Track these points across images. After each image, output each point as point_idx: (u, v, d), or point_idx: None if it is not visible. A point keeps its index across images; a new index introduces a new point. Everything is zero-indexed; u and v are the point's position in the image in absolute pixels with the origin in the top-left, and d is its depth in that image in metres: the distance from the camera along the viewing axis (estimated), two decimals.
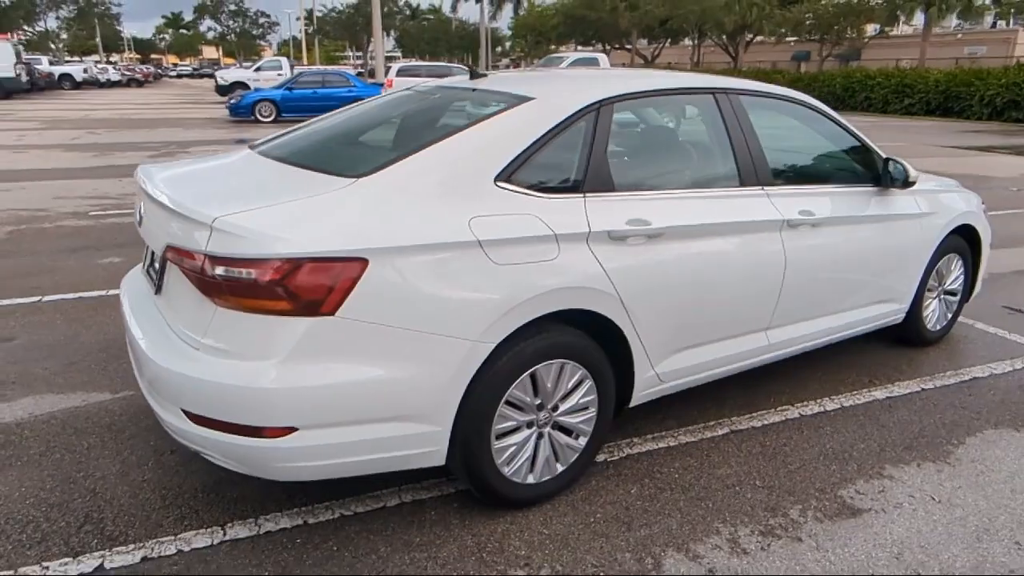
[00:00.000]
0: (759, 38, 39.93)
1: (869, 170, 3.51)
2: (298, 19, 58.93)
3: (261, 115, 18.70)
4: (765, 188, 3.05)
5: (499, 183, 2.38)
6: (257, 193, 2.27)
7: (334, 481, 2.61)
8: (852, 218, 3.36)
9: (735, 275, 2.92)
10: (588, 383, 2.61)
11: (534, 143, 2.48)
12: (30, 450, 2.95)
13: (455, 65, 25.66)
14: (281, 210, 2.11)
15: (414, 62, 29.45)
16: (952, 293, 4.19)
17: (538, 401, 2.51)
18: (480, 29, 53.67)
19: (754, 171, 3.03)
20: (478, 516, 2.54)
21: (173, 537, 2.42)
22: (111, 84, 44.46)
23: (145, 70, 54.71)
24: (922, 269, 3.80)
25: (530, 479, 2.56)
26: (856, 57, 39.59)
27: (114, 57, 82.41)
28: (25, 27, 63.06)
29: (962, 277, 4.19)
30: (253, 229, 2.03)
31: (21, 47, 31.06)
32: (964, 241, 4.09)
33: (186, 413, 2.15)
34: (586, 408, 2.64)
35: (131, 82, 48.33)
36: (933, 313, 4.11)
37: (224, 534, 2.44)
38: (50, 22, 64.65)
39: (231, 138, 15.17)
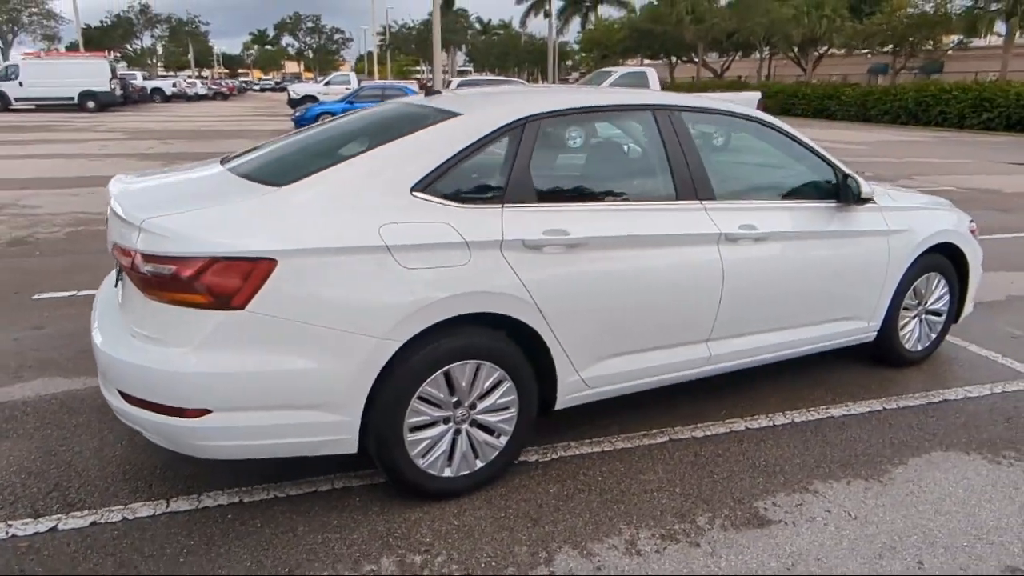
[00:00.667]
0: (833, 50, 38.80)
1: (828, 186, 3.50)
2: (375, 35, 60.93)
3: None
4: (703, 202, 3.10)
5: (415, 193, 2.55)
6: (192, 200, 2.51)
7: (282, 465, 2.85)
8: (804, 233, 3.36)
9: (666, 286, 2.99)
10: (507, 384, 2.73)
11: (453, 156, 2.64)
12: (27, 425, 3.30)
13: (513, 79, 26.10)
14: (204, 214, 2.35)
15: (473, 76, 30.03)
16: (936, 313, 4.09)
17: (454, 399, 2.65)
18: (548, 44, 54.19)
19: (692, 185, 3.09)
20: (398, 505, 2.70)
21: (123, 507, 2.69)
22: (198, 97, 47.14)
23: (230, 84, 57.80)
24: (893, 287, 3.74)
25: (447, 473, 2.71)
26: (938, 70, 37.90)
27: (205, 72, 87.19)
28: (127, 45, 67.79)
29: (947, 297, 4.08)
30: (175, 230, 2.27)
31: (116, 63, 33.40)
32: (948, 260, 3.99)
33: (122, 394, 2.41)
34: (506, 408, 2.77)
35: (216, 95, 51.10)
36: (912, 333, 4.02)
37: (167, 506, 2.69)
38: (147, 40, 69.10)
39: None
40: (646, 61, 49.32)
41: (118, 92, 30.77)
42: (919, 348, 4.07)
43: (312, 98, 26.75)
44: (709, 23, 37.90)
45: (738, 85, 34.12)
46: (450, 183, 2.63)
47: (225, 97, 52.21)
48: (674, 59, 47.79)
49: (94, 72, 29.63)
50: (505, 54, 61.15)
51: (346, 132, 3.10)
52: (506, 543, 2.50)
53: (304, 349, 2.35)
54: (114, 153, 14.79)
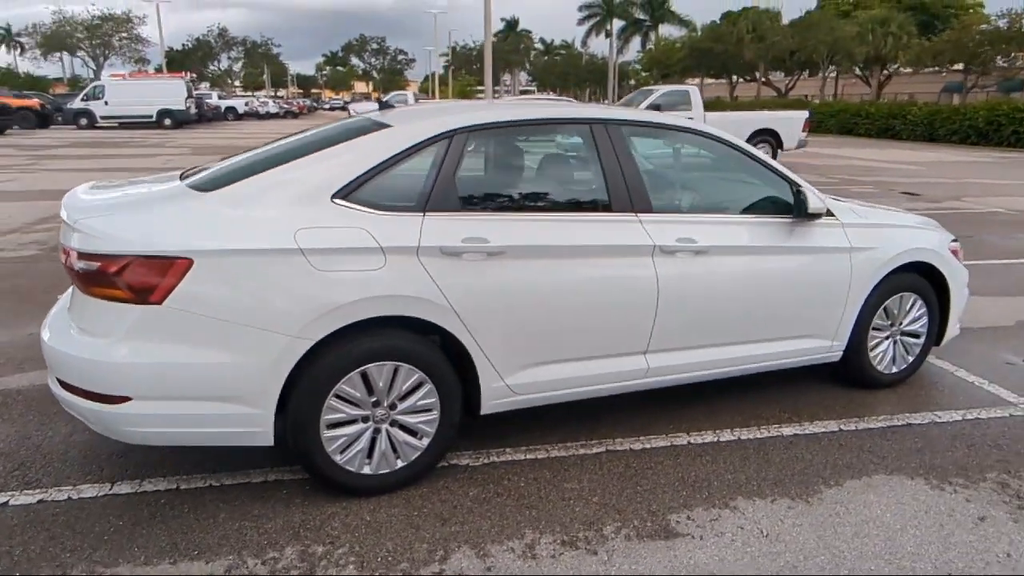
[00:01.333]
0: (903, 68, 37.45)
1: (783, 201, 3.45)
2: (440, 55, 62.53)
3: None
4: (639, 215, 3.12)
5: (336, 200, 2.68)
6: (129, 206, 2.70)
7: (224, 455, 3.01)
8: (753, 248, 3.32)
9: (595, 296, 3.01)
10: (428, 387, 2.81)
11: (377, 166, 2.76)
12: (13, 411, 3.57)
13: (563, 98, 26.17)
14: (132, 216, 2.54)
15: (526, 95, 30.30)
16: (912, 335, 3.94)
17: (373, 398, 2.75)
18: (608, 63, 54.29)
19: (628, 198, 3.11)
20: (320, 499, 2.81)
21: (72, 487, 2.89)
22: (270, 116, 49.18)
23: (301, 103, 60.05)
24: (858, 305, 3.64)
25: (366, 470, 2.80)
26: (1019, 87, 36.00)
27: (281, 92, 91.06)
28: (209, 66, 71.75)
29: (924, 319, 3.93)
30: (102, 230, 2.46)
31: (192, 84, 35.34)
32: (925, 281, 3.85)
33: (60, 382, 2.61)
34: (428, 410, 2.84)
35: (287, 114, 53.19)
36: (884, 354, 3.88)
37: (110, 488, 2.88)
38: (225, 62, 72.93)
39: None
40: (707, 80, 48.77)
41: (192, 111, 32.48)
42: (894, 370, 3.93)
43: None
44: (770, 42, 37.21)
45: (798, 104, 33.19)
46: (372, 191, 2.74)
47: (295, 116, 54.26)
48: (735, 78, 47.07)
49: (171, 92, 31.42)
50: (566, 74, 61.62)
51: (300, 145, 3.27)
52: (409, 540, 2.56)
53: (219, 344, 2.49)
54: (177, 167, 15.62)
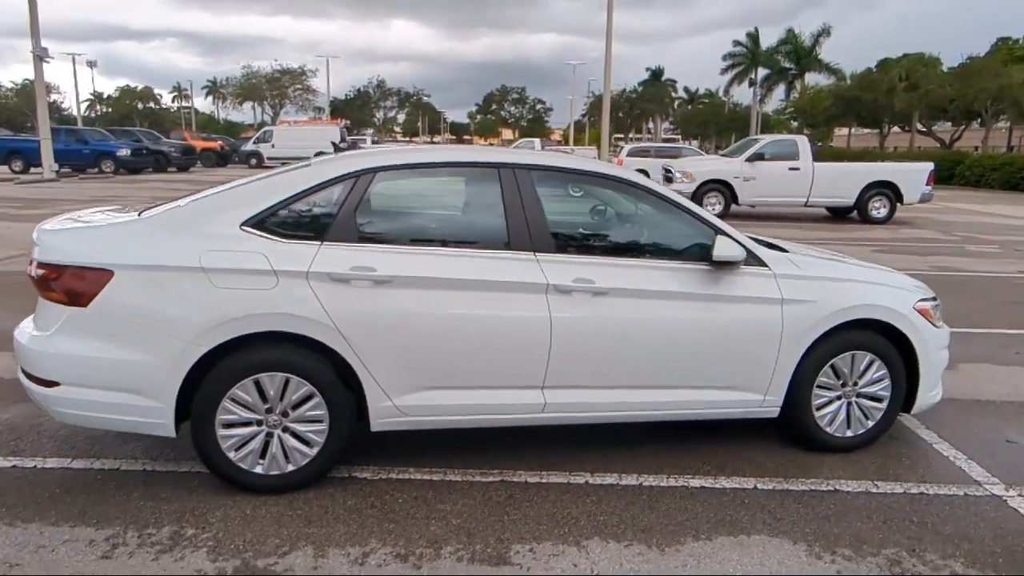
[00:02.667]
0: None
1: (702, 248, 3.40)
2: (584, 102, 63.73)
3: None
4: (538, 254, 3.23)
5: (244, 227, 3.06)
6: (77, 228, 3.17)
7: (169, 444, 3.43)
8: (660, 293, 3.30)
9: (486, 328, 3.15)
10: (317, 399, 3.08)
11: (285, 199, 3.12)
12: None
13: (685, 146, 25.93)
14: (73, 235, 3.06)
15: (644, 143, 30.28)
16: (872, 398, 3.65)
17: (266, 405, 3.06)
18: (752, 112, 52.81)
19: (528, 238, 3.24)
20: (222, 492, 3.12)
21: (41, 458, 3.43)
22: None
23: None
24: (792, 360, 3.46)
25: (258, 469, 3.10)
26: None
27: (437, 138, 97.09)
28: (376, 114, 78.39)
29: (886, 382, 3.63)
30: (51, 244, 3.00)
31: (345, 130, 38.72)
32: (886, 340, 3.58)
33: (22, 369, 3.15)
34: (319, 421, 3.11)
35: None
36: (835, 416, 3.63)
37: (69, 463, 3.39)
38: (385, 111, 79.00)
39: None
40: (857, 129, 45.90)
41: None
42: (849, 434, 3.65)
43: None
44: (924, 90, 34.45)
45: (954, 155, 30.35)
46: (278, 221, 3.10)
47: None
48: (886, 128, 43.93)
49: (327, 136, 34.63)
50: (707, 122, 60.66)
51: (248, 180, 3.68)
52: (266, 535, 2.81)
53: (130, 343, 2.92)
54: None
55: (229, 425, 3.05)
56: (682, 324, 3.33)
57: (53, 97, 69.97)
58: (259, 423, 3.08)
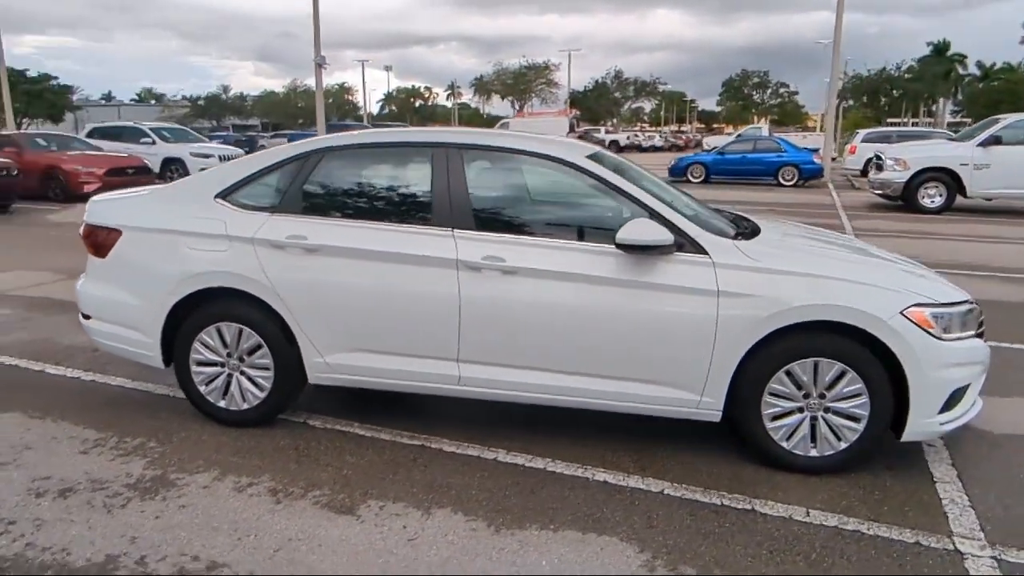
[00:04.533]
0: None
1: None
2: (838, 85, 57.13)
3: (692, 176, 20.11)
4: (455, 231, 3.28)
5: (217, 199, 3.58)
6: (112, 199, 3.93)
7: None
8: (575, 275, 3.14)
9: (401, 299, 3.30)
10: (264, 349, 3.51)
11: (249, 175, 3.58)
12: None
13: (936, 130, 21.85)
14: (105, 204, 3.82)
15: (885, 128, 26.30)
16: (847, 416, 3.06)
17: (227, 350, 3.57)
18: None
19: (450, 215, 3.30)
20: (187, 417, 3.70)
21: (91, 372, 4.36)
22: (654, 149, 51.77)
23: (687, 136, 61.62)
24: (731, 361, 3.05)
25: (221, 403, 3.63)
26: None
27: (685, 127, 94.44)
28: (623, 105, 78.68)
29: (864, 399, 3.02)
30: (90, 211, 3.80)
31: (575, 120, 39.52)
32: (865, 350, 2.98)
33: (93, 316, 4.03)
34: (267, 368, 3.54)
35: (672, 147, 55.19)
36: (794, 430, 3.12)
37: (90, 375, 4.27)
38: (634, 101, 78.55)
39: None
40: None
41: None
42: (813, 453, 3.12)
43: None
44: None
45: None
46: (242, 194, 3.57)
47: (680, 148, 55.98)
48: None
49: (557, 127, 35.80)
50: (998, 102, 50.29)
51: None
52: (199, 456, 3.31)
53: (130, 288, 3.62)
54: None
55: (201, 363, 3.61)
56: (598, 309, 3.14)
57: (351, 98, 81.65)
58: (222, 365, 3.60)
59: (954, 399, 3.07)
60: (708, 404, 3.16)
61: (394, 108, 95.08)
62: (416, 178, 3.50)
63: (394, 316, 3.34)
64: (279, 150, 3.67)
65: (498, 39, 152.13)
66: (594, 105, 68.04)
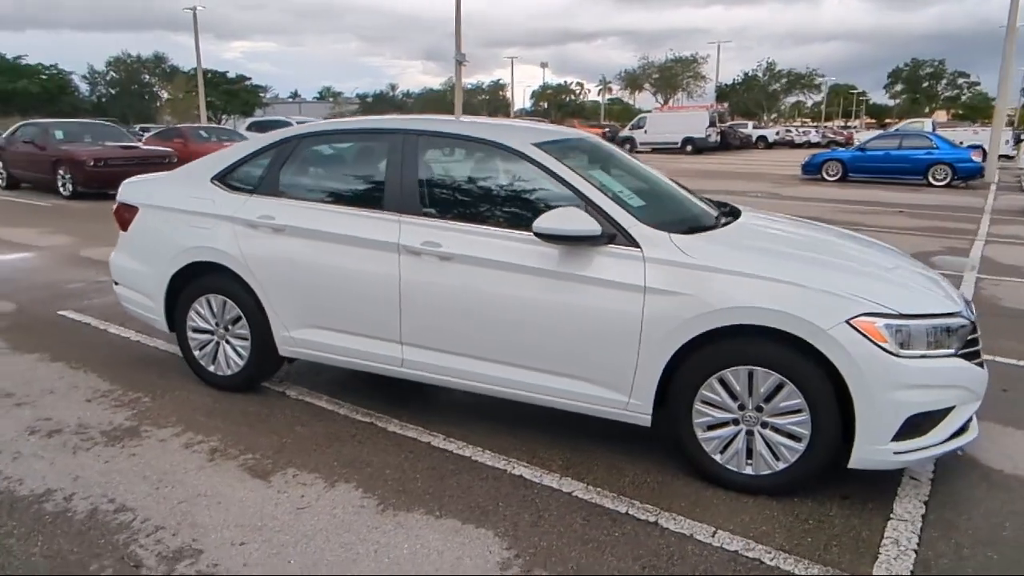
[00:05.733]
0: None
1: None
2: None
3: (827, 175, 18.51)
4: (402, 215, 3.30)
5: (212, 181, 3.87)
6: (138, 180, 4.37)
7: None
8: (504, 264, 3.05)
9: (351, 280, 3.40)
10: (243, 320, 3.77)
11: (239, 160, 3.83)
12: None
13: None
14: (131, 184, 4.25)
15: None
16: (788, 435, 2.73)
17: (215, 320, 3.86)
18: None
19: (399, 200, 3.33)
20: (189, 380, 4.05)
21: (120, 327, 4.87)
22: (809, 145, 48.19)
23: (848, 132, 56.58)
24: (658, 362, 2.82)
25: (211, 368, 3.94)
26: None
27: (853, 123, 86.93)
28: (782, 100, 73.83)
29: (804, 416, 2.67)
30: (121, 190, 4.25)
31: (718, 115, 37.62)
32: (805, 360, 2.64)
33: (116, 282, 4.52)
34: (246, 339, 3.79)
35: (831, 143, 51.07)
36: (727, 444, 2.83)
37: (112, 328, 4.75)
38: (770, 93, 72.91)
39: (766, 191, 16.00)
40: None
41: (712, 138, 34.84)
42: (748, 471, 2.82)
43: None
44: None
45: None
46: (232, 176, 3.83)
47: (840, 144, 51.68)
48: None
49: (696, 122, 34.47)
50: None
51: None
52: (175, 413, 3.62)
53: (142, 258, 4.03)
54: None
55: (195, 330, 3.94)
56: (527, 300, 3.04)
57: (504, 95, 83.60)
58: (211, 332, 3.90)
59: (919, 426, 2.64)
60: (636, 407, 2.95)
61: (543, 104, 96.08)
62: (374, 164, 3.58)
63: (345, 296, 3.44)
64: (268, 136, 3.90)
65: (658, 33, 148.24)
66: (743, 99, 64.29)
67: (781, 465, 2.78)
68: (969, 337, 2.76)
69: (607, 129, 41.44)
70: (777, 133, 45.55)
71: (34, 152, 14.24)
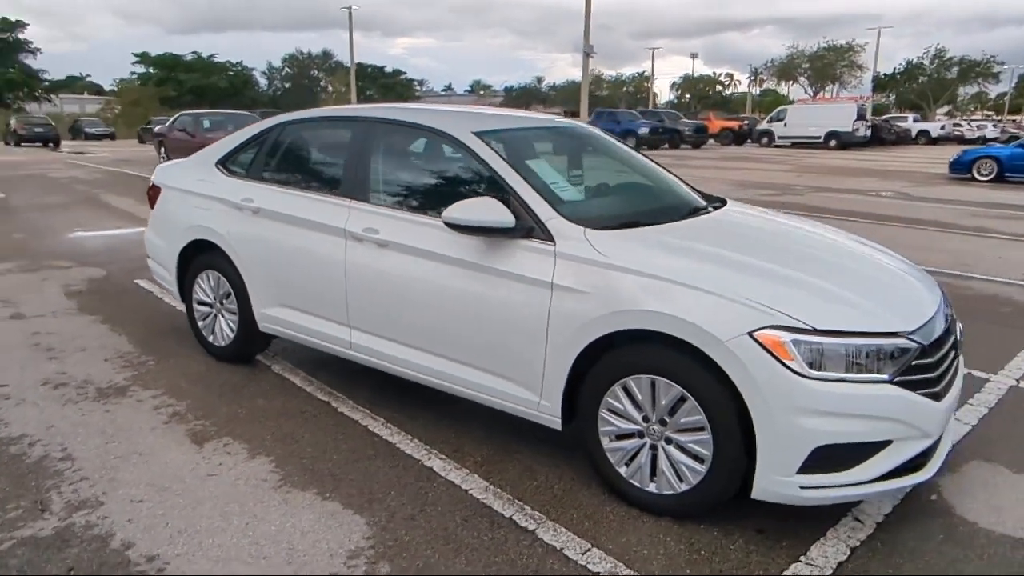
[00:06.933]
0: None
1: None
2: None
3: (979, 173, 16.28)
4: (352, 201, 3.33)
5: (216, 165, 4.12)
6: (167, 164, 4.72)
7: None
8: (430, 253, 2.98)
9: (307, 262, 3.49)
10: (232, 295, 3.99)
11: (238, 146, 4.04)
12: None
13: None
14: (159, 168, 4.61)
15: None
16: (692, 454, 2.45)
17: (213, 294, 4.13)
18: None
19: (354, 186, 3.36)
20: (191, 349, 4.36)
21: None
22: (983, 140, 42.74)
23: None
24: (563, 363, 2.63)
25: (211, 339, 4.21)
26: None
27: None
28: (961, 91, 65.76)
29: (705, 436, 2.38)
30: (154, 174, 4.64)
31: (865, 108, 34.20)
32: (707, 373, 2.35)
33: (148, 255, 4.94)
34: (235, 313, 4.02)
35: (1010, 139, 44.99)
36: (631, 457, 2.59)
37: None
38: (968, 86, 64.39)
39: (897, 191, 14.44)
40: None
41: (860, 133, 31.81)
42: (652, 489, 2.57)
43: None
44: None
45: None
46: (231, 161, 4.06)
47: (1019, 140, 45.40)
48: None
49: (841, 115, 31.62)
50: None
51: None
52: (161, 378, 3.92)
53: (162, 235, 4.39)
54: (757, 180, 16.82)
55: (199, 302, 4.24)
56: (449, 291, 2.96)
57: (648, 86, 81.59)
58: (211, 306, 4.18)
59: (836, 460, 2.27)
60: (547, 408, 2.79)
61: (687, 96, 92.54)
62: (336, 151, 3.63)
63: (305, 277, 3.54)
64: (261, 123, 4.09)
65: (821, 19, 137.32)
66: (904, 89, 57.68)
67: (684, 487, 2.51)
68: (915, 363, 2.32)
69: (744, 122, 39.19)
70: (943, 127, 40.58)
71: (186, 139, 15.94)
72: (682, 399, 2.44)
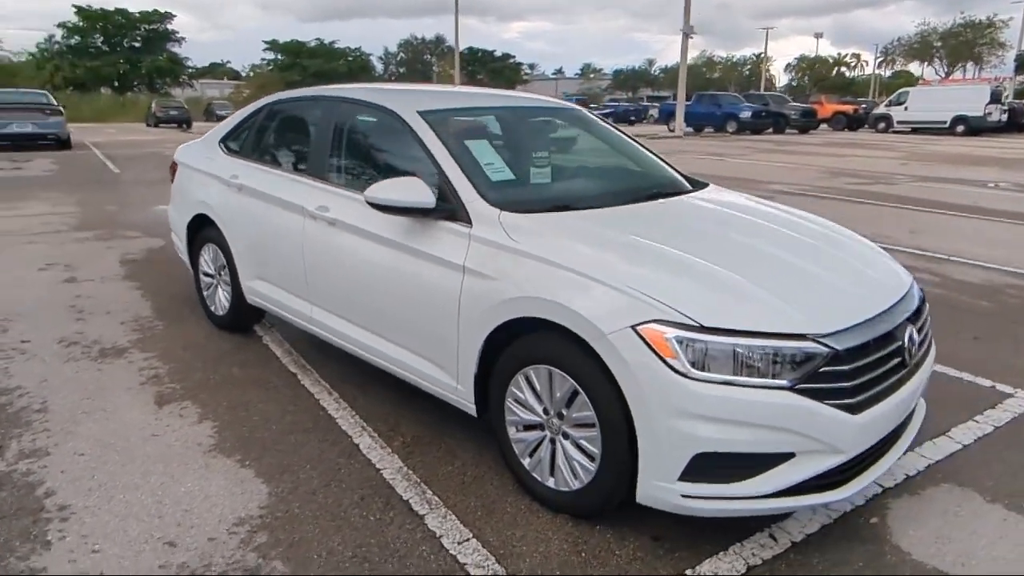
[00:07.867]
0: None
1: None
2: None
3: None
4: (316, 180, 3.37)
5: (219, 143, 4.29)
6: (189, 143, 4.94)
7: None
8: (368, 233, 2.96)
9: (277, 238, 3.57)
10: (227, 267, 4.16)
11: (237, 125, 4.18)
12: None
13: None
14: (183, 146, 4.84)
15: None
16: (584, 451, 2.29)
17: (213, 265, 4.32)
18: None
19: (321, 165, 3.40)
20: (193, 315, 4.58)
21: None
22: None
23: None
24: (472, 348, 2.54)
25: (212, 308, 4.43)
26: None
27: None
28: None
29: (596, 433, 2.21)
30: (176, 152, 4.89)
31: (1002, 90, 30.60)
32: (596, 366, 2.18)
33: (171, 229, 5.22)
34: (228, 284, 4.19)
35: None
36: (533, 449, 2.46)
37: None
38: None
39: (1009, 181, 12.92)
40: None
41: (994, 117, 28.65)
42: (551, 484, 2.44)
43: None
44: None
45: None
46: (229, 139, 4.22)
47: None
48: None
49: (972, 97, 28.58)
50: None
51: None
52: (170, 346, 4.15)
53: (176, 207, 4.64)
54: (854, 168, 15.68)
55: (204, 274, 4.46)
56: (381, 270, 2.93)
57: (765, 68, 77.39)
58: (212, 277, 4.38)
59: (720, 470, 2.05)
60: (463, 393, 2.70)
61: (805, 78, 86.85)
62: (306, 129, 3.68)
63: (275, 253, 3.63)
64: (255, 104, 4.20)
65: None
66: None
67: (577, 484, 2.36)
68: (825, 370, 2.04)
69: (861, 106, 36.32)
70: None
71: None
72: (575, 393, 2.29)
